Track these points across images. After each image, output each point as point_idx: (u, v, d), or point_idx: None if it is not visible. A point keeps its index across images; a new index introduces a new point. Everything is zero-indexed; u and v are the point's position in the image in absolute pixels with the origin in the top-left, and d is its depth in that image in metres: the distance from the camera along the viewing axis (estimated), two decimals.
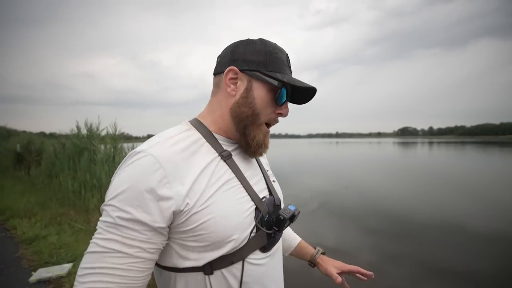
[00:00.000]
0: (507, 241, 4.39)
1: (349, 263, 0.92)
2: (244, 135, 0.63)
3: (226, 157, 0.61)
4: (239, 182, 0.60)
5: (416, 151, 32.08)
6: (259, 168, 0.71)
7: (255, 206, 0.60)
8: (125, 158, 0.55)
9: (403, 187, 9.30)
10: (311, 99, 0.68)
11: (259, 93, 0.61)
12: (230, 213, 0.55)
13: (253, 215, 0.59)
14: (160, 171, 0.50)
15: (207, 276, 0.55)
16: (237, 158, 0.64)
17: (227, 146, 0.64)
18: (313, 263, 0.93)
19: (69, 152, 6.18)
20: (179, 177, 0.52)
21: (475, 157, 21.81)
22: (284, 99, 0.62)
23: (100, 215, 0.52)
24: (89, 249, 0.49)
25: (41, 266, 2.76)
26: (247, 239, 0.57)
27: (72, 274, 2.62)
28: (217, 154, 0.60)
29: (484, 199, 7.31)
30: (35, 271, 2.67)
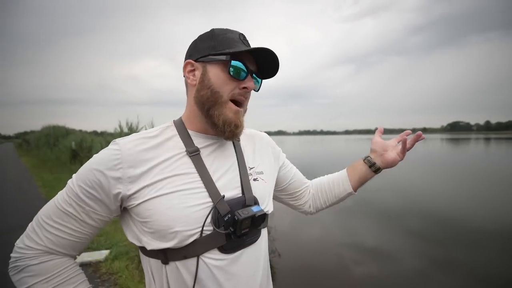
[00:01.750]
0: None
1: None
2: (210, 117, 0.62)
3: (191, 153, 0.62)
4: (199, 178, 0.60)
5: (469, 148, 28.87)
6: (236, 165, 0.68)
7: (212, 203, 0.59)
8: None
9: (453, 188, 8.43)
10: (276, 66, 0.66)
11: (214, 73, 0.62)
12: (176, 204, 0.57)
13: (206, 211, 0.58)
14: (118, 156, 0.57)
15: (164, 265, 0.59)
16: (208, 155, 0.65)
17: (201, 142, 0.66)
18: (376, 168, 0.91)
19: None
20: (134, 166, 0.57)
21: None
22: (243, 72, 0.62)
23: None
24: (55, 201, 0.60)
25: (84, 251, 3.01)
26: (197, 235, 0.57)
27: (108, 260, 2.83)
28: (183, 150, 0.63)
29: None
30: (78, 255, 2.92)
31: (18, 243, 0.59)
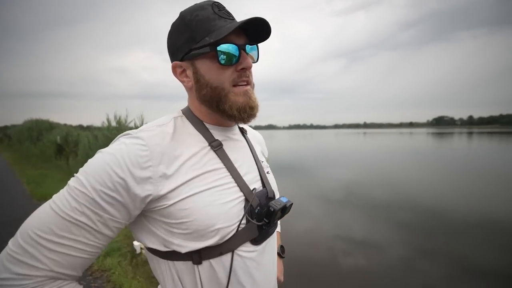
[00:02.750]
0: None
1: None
2: (223, 111, 0.58)
3: (216, 147, 0.59)
4: (228, 172, 0.58)
5: (453, 142, 29.82)
6: (252, 159, 0.68)
7: (244, 197, 0.58)
8: (115, 138, 0.55)
9: (438, 180, 8.70)
10: (264, 29, 0.57)
11: (205, 67, 0.57)
12: (213, 201, 0.53)
13: (241, 205, 0.57)
14: (146, 153, 0.50)
15: (195, 266, 0.54)
16: (228, 148, 0.63)
17: (218, 135, 0.63)
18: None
19: (101, 143, 6.58)
20: (165, 163, 0.52)
21: None
22: (234, 55, 0.55)
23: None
24: (55, 208, 0.47)
25: None
26: (235, 230, 0.55)
27: (99, 256, 2.77)
28: (206, 144, 0.59)
29: None
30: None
31: (1, 272, 0.44)
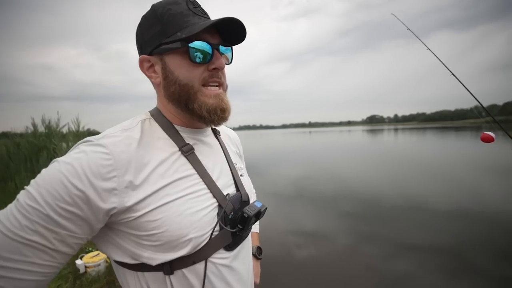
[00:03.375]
0: (465, 216, 4.82)
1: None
2: (192, 111, 0.56)
3: (186, 152, 0.57)
4: (200, 179, 0.56)
5: (383, 137, 34.02)
6: (226, 162, 0.67)
7: (217, 204, 0.56)
8: (74, 146, 0.50)
9: (372, 172, 9.80)
10: (239, 30, 0.57)
11: (175, 64, 0.54)
12: (185, 210, 0.51)
13: (214, 213, 0.55)
14: (109, 162, 0.46)
15: (167, 276, 0.52)
16: (200, 152, 0.61)
17: (189, 139, 0.60)
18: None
19: (25, 152, 5.66)
20: (131, 171, 0.48)
21: (434, 141, 23.64)
22: (208, 52, 0.53)
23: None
24: (6, 231, 0.41)
25: None
26: (208, 238, 0.53)
27: None
28: (177, 149, 0.57)
29: (444, 179, 7.94)
30: None
31: None
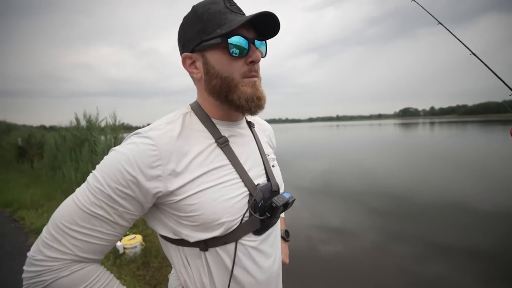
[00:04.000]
0: (509, 218, 4.45)
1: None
2: (231, 102, 0.60)
3: (222, 144, 0.62)
4: (233, 169, 0.62)
5: (418, 132, 32.01)
6: (258, 153, 0.71)
7: (248, 192, 0.62)
8: (127, 137, 0.58)
9: (405, 168, 9.32)
10: (274, 25, 0.60)
11: (215, 59, 0.59)
12: (219, 197, 0.58)
13: (245, 200, 0.61)
14: (155, 153, 0.54)
15: (202, 252, 0.60)
16: (235, 143, 0.66)
17: (225, 131, 0.65)
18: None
19: (70, 144, 6.19)
20: (174, 161, 0.55)
21: (477, 136, 21.75)
22: (245, 47, 0.58)
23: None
24: (77, 202, 0.53)
25: None
26: (238, 223, 0.59)
27: None
28: (213, 141, 0.62)
29: (486, 177, 7.32)
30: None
31: (35, 255, 0.52)
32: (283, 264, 0.85)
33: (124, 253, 2.75)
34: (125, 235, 3.02)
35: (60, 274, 0.52)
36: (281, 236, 0.91)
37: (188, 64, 0.62)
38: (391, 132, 34.10)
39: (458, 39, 1.13)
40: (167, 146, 0.55)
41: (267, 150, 0.76)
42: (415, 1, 1.24)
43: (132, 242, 2.78)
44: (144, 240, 2.95)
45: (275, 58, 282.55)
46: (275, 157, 0.80)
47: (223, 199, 0.58)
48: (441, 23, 1.18)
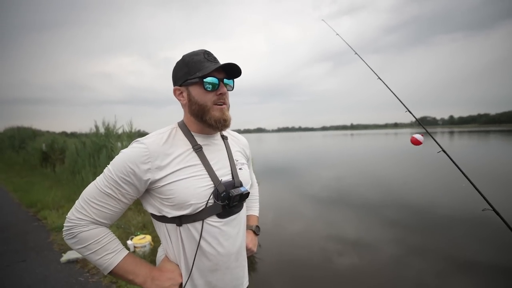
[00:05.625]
0: None
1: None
2: (205, 121, 0.86)
3: (196, 150, 0.86)
4: (203, 167, 0.85)
5: (439, 140, 30.92)
6: (227, 159, 0.94)
7: (213, 185, 0.84)
8: (132, 142, 0.84)
9: (423, 179, 9.06)
10: (237, 70, 0.85)
11: (195, 92, 0.85)
12: (190, 186, 0.81)
13: (210, 190, 0.83)
14: (147, 153, 0.79)
15: (178, 227, 0.83)
16: (208, 150, 0.89)
17: (201, 141, 0.90)
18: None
19: (89, 150, 6.56)
20: (159, 159, 0.80)
21: (501, 146, 20.82)
22: (216, 83, 0.83)
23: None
24: (97, 185, 0.79)
25: (70, 249, 3.07)
26: (203, 206, 0.81)
27: None
28: (191, 147, 0.86)
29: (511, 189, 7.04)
30: (65, 253, 2.99)
31: (69, 215, 0.78)
32: (250, 251, 1.09)
33: (134, 251, 2.94)
34: (136, 235, 3.22)
35: (82, 229, 0.77)
36: (252, 230, 1.14)
37: (177, 93, 0.88)
38: (408, 141, 33.16)
39: (368, 65, 1.34)
40: (155, 149, 0.80)
41: (237, 157, 0.99)
42: (339, 36, 1.46)
43: (142, 241, 2.98)
44: (153, 240, 3.14)
45: (289, 67, 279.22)
46: (245, 162, 1.02)
47: (193, 187, 0.80)
48: (357, 54, 1.41)
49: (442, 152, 1.27)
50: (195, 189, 0.80)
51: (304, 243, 4.13)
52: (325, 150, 23.67)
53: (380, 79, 1.33)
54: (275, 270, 3.33)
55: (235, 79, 0.91)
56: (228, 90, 0.88)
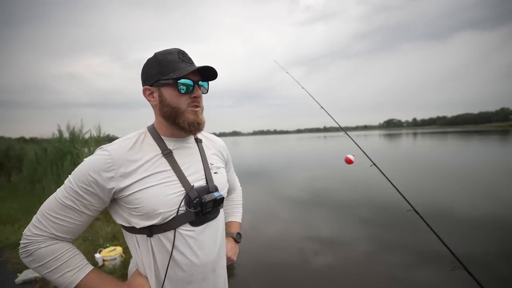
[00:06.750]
0: (493, 223, 4.64)
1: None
2: (178, 124, 0.81)
3: (166, 155, 0.81)
4: (174, 173, 0.79)
5: (401, 142, 33.02)
6: (201, 163, 0.88)
7: (184, 191, 0.78)
8: (96, 150, 0.77)
9: (390, 177, 9.56)
10: (213, 72, 0.82)
11: (168, 93, 0.79)
12: (158, 194, 0.75)
13: (181, 197, 0.77)
14: (110, 161, 0.73)
15: (148, 238, 0.77)
16: (179, 154, 0.84)
17: (172, 145, 0.84)
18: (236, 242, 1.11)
19: (52, 156, 6.06)
20: (124, 166, 0.74)
21: (456, 146, 22.70)
22: (190, 86, 0.78)
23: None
24: (56, 197, 0.73)
25: (27, 268, 2.76)
26: (174, 214, 0.76)
27: None
28: (160, 152, 0.81)
29: (467, 185, 7.66)
30: (21, 273, 2.69)
31: (26, 232, 0.73)
32: (230, 260, 1.03)
33: (103, 265, 2.72)
34: (105, 247, 2.99)
35: (40, 246, 0.71)
36: (233, 237, 1.08)
37: (147, 94, 0.83)
38: (376, 142, 34.97)
39: (298, 83, 1.49)
40: (119, 156, 0.74)
41: (212, 160, 0.93)
42: (275, 62, 1.57)
43: (112, 254, 2.76)
44: (124, 252, 2.93)
45: (265, 71, 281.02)
46: (221, 165, 0.96)
47: (162, 195, 0.75)
48: (304, 88, 1.57)
49: (373, 166, 1.54)
50: (164, 197, 0.75)
51: (281, 245, 4.16)
52: (299, 152, 24.11)
53: (307, 91, 1.63)
54: (253, 274, 3.30)
55: (210, 82, 0.87)
56: (202, 93, 0.84)
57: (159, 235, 0.76)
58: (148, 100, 0.84)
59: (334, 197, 7.11)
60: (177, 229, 0.76)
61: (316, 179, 9.79)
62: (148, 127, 0.86)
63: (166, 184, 0.76)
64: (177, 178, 0.79)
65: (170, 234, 0.76)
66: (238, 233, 1.11)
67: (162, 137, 0.84)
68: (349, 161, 1.38)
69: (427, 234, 1.50)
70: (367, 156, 1.49)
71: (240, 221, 1.17)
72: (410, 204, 1.20)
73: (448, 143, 25.52)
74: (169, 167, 0.79)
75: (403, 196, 1.18)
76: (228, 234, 1.08)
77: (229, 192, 1.15)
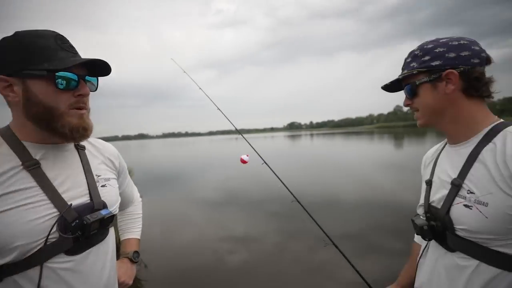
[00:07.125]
0: (364, 206, 5.75)
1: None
2: (54, 129, 0.62)
3: (29, 167, 0.61)
4: (41, 191, 0.60)
5: (301, 141, 37.80)
6: (83, 175, 0.70)
7: (58, 213, 0.61)
8: None
9: (294, 173, 10.69)
10: (105, 66, 0.66)
11: (40, 88, 0.60)
12: (15, 221, 0.56)
13: (53, 221, 0.59)
14: None
15: None
16: (49, 166, 0.64)
17: (40, 153, 0.64)
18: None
19: None
20: None
21: (342, 145, 27.74)
22: (74, 81, 0.61)
23: None
24: None
25: None
26: (41, 245, 0.58)
27: None
28: (20, 163, 0.60)
29: (346, 176, 9.34)
30: None
31: None
32: (124, 286, 0.88)
33: None
34: None
35: None
36: (129, 258, 0.93)
37: (2, 86, 0.60)
38: (281, 142, 38.79)
39: (195, 83, 1.70)
40: None
41: (99, 171, 0.76)
42: (186, 73, 1.70)
43: None
44: None
45: (175, 70, 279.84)
46: (112, 177, 0.79)
47: (20, 223, 0.56)
48: (201, 89, 1.77)
49: (264, 164, 1.79)
50: (25, 224, 0.56)
51: (196, 250, 4.10)
52: (211, 155, 24.16)
53: (202, 89, 1.80)
54: (168, 285, 3.16)
55: (100, 77, 0.70)
56: (91, 91, 0.67)
57: (14, 276, 0.56)
58: (3, 95, 0.61)
59: (243, 195, 7.41)
60: (45, 264, 0.58)
61: (228, 180, 9.96)
62: (1, 129, 0.65)
63: (27, 206, 0.58)
64: (46, 197, 0.60)
65: (33, 272, 0.57)
66: (136, 252, 0.96)
67: (25, 143, 0.63)
68: (243, 161, 1.37)
69: (324, 219, 1.79)
70: (259, 156, 1.70)
71: (138, 237, 1.01)
72: (293, 196, 1.47)
73: (335, 142, 30.92)
74: (34, 183, 0.60)
75: (287, 189, 1.38)
76: (123, 254, 0.94)
77: (125, 205, 0.97)
